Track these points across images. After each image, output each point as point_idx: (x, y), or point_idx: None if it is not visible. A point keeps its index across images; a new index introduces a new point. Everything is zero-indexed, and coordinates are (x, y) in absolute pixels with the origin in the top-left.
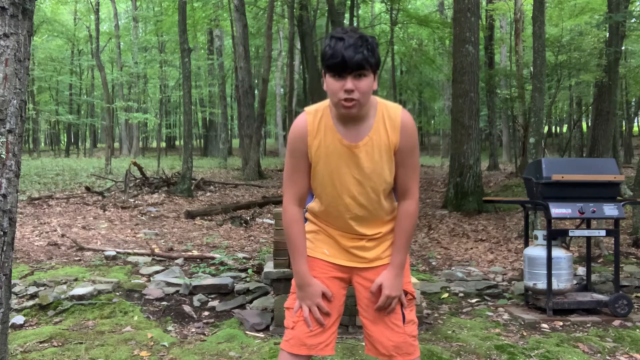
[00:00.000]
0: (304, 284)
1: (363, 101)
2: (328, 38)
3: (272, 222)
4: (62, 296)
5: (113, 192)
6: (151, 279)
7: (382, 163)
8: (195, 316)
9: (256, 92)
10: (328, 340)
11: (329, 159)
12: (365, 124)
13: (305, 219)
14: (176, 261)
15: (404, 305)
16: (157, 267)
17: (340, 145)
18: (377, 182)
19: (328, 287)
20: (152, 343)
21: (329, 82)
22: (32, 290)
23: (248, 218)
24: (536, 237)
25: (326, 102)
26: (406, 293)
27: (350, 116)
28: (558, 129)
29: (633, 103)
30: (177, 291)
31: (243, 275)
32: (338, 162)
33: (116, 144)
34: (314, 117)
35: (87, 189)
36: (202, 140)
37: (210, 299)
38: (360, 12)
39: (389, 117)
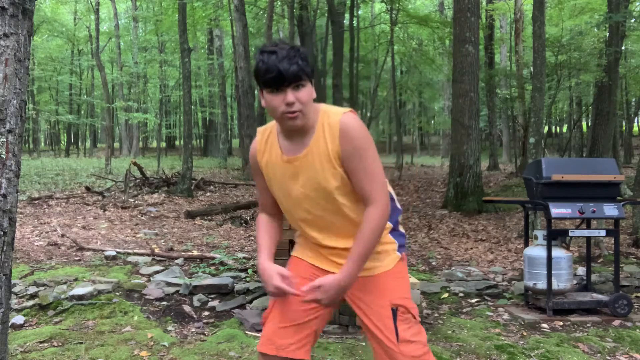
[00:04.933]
0: (260, 272)
1: (305, 111)
2: (259, 53)
3: None
4: (62, 296)
5: (113, 192)
6: (151, 279)
7: (325, 173)
8: (195, 316)
9: (256, 92)
10: (301, 342)
11: (275, 175)
12: (308, 135)
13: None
14: (176, 261)
15: (396, 318)
16: (157, 267)
17: (282, 161)
18: (326, 193)
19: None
20: (152, 343)
21: (268, 99)
22: (32, 290)
23: (248, 218)
24: (536, 237)
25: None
26: (398, 307)
27: (296, 129)
28: (558, 129)
29: (633, 103)
30: (177, 291)
31: (243, 275)
32: (283, 177)
33: (116, 144)
34: (262, 135)
35: (87, 189)
36: (202, 140)
37: (210, 299)
38: (360, 12)
39: (329, 124)
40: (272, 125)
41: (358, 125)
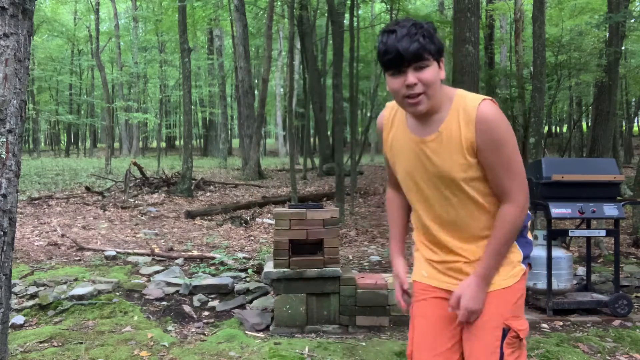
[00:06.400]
0: (391, 263)
1: (430, 93)
2: (380, 34)
3: (272, 222)
4: (62, 296)
5: (113, 192)
6: (151, 279)
7: (452, 162)
8: (195, 316)
9: (256, 92)
10: None
11: (401, 155)
12: (438, 118)
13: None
14: (176, 261)
15: (504, 340)
16: (157, 267)
17: (408, 141)
18: (452, 185)
19: (426, 310)
20: (152, 343)
21: (389, 82)
22: (32, 290)
23: (248, 218)
24: (536, 237)
25: None
26: (508, 329)
27: (419, 114)
28: (558, 129)
29: (633, 103)
30: (177, 291)
31: (243, 275)
32: (408, 159)
33: (116, 144)
34: (390, 110)
35: (87, 189)
36: (202, 140)
37: (210, 299)
38: (360, 12)
39: (464, 109)
40: None
41: (498, 114)
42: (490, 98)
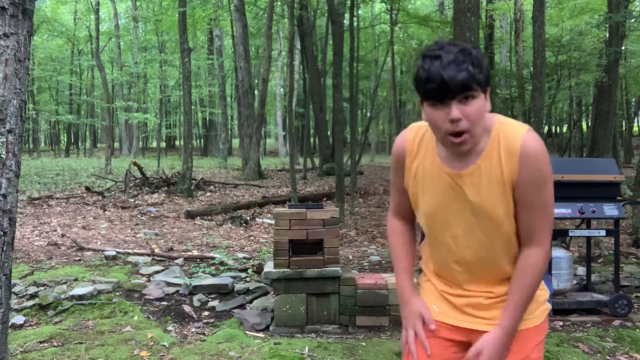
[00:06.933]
0: (403, 301)
1: (475, 131)
2: (420, 58)
3: (272, 222)
4: (62, 296)
5: (113, 192)
6: (151, 279)
7: (493, 198)
8: (195, 316)
9: (256, 92)
10: None
11: (429, 188)
12: (475, 149)
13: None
14: (176, 261)
15: None
16: (157, 267)
17: (440, 172)
18: (488, 223)
19: (431, 349)
20: (152, 343)
21: (429, 113)
22: (32, 290)
23: (248, 218)
24: None
25: None
26: None
27: (461, 154)
28: (558, 129)
29: (633, 103)
30: (177, 291)
31: (243, 275)
32: (438, 191)
33: (116, 144)
34: (415, 134)
35: (87, 189)
36: (202, 140)
37: (210, 299)
38: (360, 12)
39: (507, 140)
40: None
41: (542, 150)
42: (530, 128)
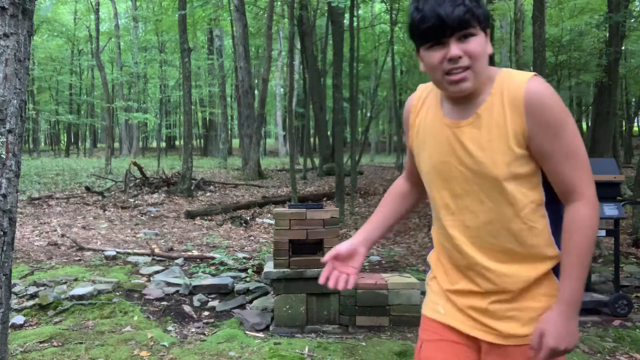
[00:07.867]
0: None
1: (478, 69)
2: (412, 1)
3: (272, 222)
4: (62, 296)
5: (113, 192)
6: (151, 279)
7: (493, 153)
8: (195, 316)
9: (256, 92)
10: None
11: (429, 143)
12: (477, 100)
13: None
14: (176, 261)
15: None
16: (157, 267)
17: (441, 126)
18: (489, 180)
19: (437, 354)
20: (152, 343)
21: (426, 57)
22: (32, 290)
23: (248, 218)
24: None
25: None
26: None
27: (463, 95)
28: None
29: (633, 103)
30: (177, 291)
31: (243, 275)
32: (438, 147)
33: (116, 144)
34: (422, 91)
35: (87, 189)
36: (202, 140)
37: (210, 299)
38: (360, 12)
39: (509, 88)
40: None
41: (550, 93)
42: (535, 74)
